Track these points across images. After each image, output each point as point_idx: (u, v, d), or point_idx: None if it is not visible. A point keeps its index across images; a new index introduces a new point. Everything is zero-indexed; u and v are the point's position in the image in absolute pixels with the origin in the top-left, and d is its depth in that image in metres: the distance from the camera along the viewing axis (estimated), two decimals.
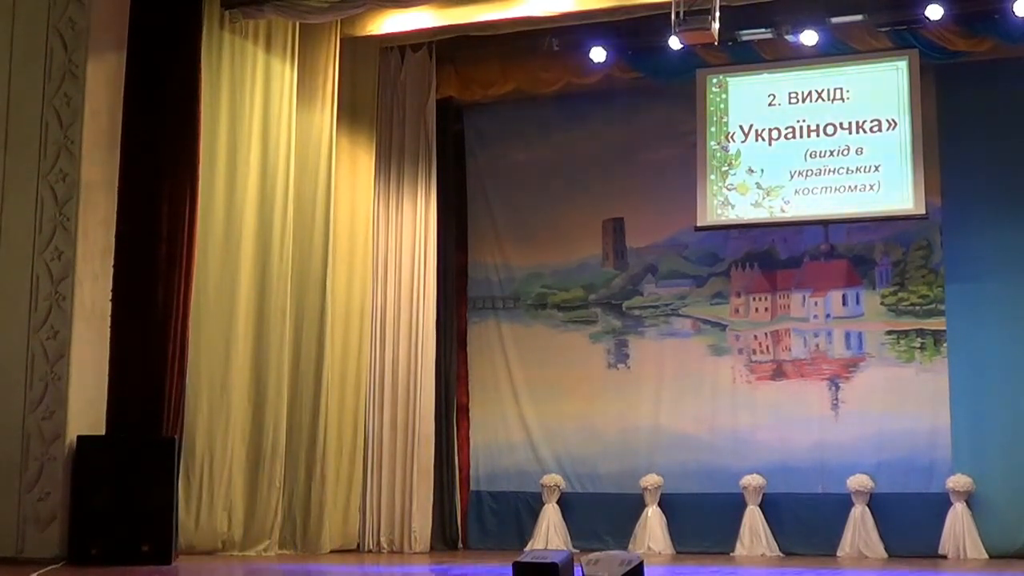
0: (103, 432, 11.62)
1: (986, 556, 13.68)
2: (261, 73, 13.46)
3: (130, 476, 11.33)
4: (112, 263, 11.87)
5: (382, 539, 14.58)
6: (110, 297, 11.83)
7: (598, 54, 15.01)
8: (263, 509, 13.03)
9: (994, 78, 14.58)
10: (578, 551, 12.57)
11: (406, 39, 14.78)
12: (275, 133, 13.48)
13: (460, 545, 15.52)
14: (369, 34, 14.32)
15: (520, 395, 15.89)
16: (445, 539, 15.38)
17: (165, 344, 11.98)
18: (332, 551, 13.74)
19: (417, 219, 15.23)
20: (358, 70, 14.82)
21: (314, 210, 13.92)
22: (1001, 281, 14.30)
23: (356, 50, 14.64)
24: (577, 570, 8.56)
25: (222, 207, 13.03)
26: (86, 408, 11.51)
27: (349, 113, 14.60)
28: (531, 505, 15.44)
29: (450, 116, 16.22)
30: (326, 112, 14.07)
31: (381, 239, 15.07)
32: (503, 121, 16.42)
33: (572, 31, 14.66)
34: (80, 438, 11.32)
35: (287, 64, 13.64)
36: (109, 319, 11.80)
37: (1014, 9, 13.50)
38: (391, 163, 15.24)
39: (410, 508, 14.64)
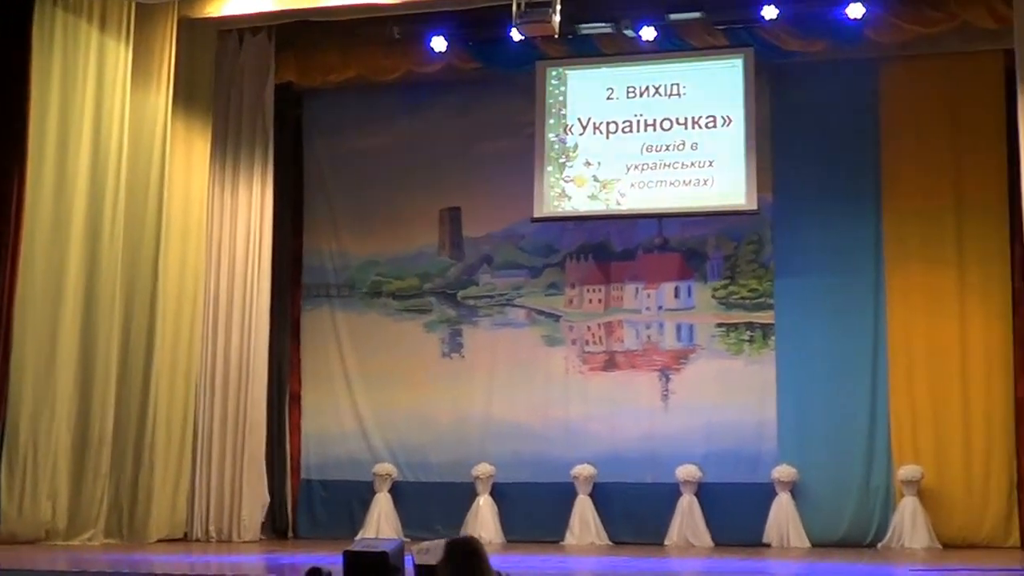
0: None
1: (809, 544, 14.02)
2: (95, 53, 13.11)
3: None
4: None
5: (211, 528, 14.41)
6: None
7: (439, 43, 15.01)
8: (88, 498, 12.78)
9: (826, 78, 14.94)
10: (409, 540, 12.57)
11: (245, 22, 14.54)
12: (108, 115, 13.16)
13: (290, 534, 15.46)
14: (207, 16, 14.04)
15: (353, 384, 15.84)
16: (275, 528, 15.30)
17: None
18: (159, 540, 13.56)
19: (252, 205, 15.06)
20: (195, 53, 14.55)
21: (147, 195, 13.65)
22: (828, 277, 14.66)
23: (194, 32, 14.36)
24: (408, 559, 8.56)
25: (51, 189, 12.68)
26: None
27: (185, 96, 14.32)
28: (362, 494, 15.39)
29: (289, 102, 16.08)
30: (161, 94, 13.80)
31: (215, 225, 14.88)
32: (342, 108, 16.32)
33: (414, 19, 14.62)
34: None
35: (122, 44, 13.31)
36: None
37: (846, 12, 13.86)
38: (227, 148, 15.04)
39: (240, 497, 14.50)
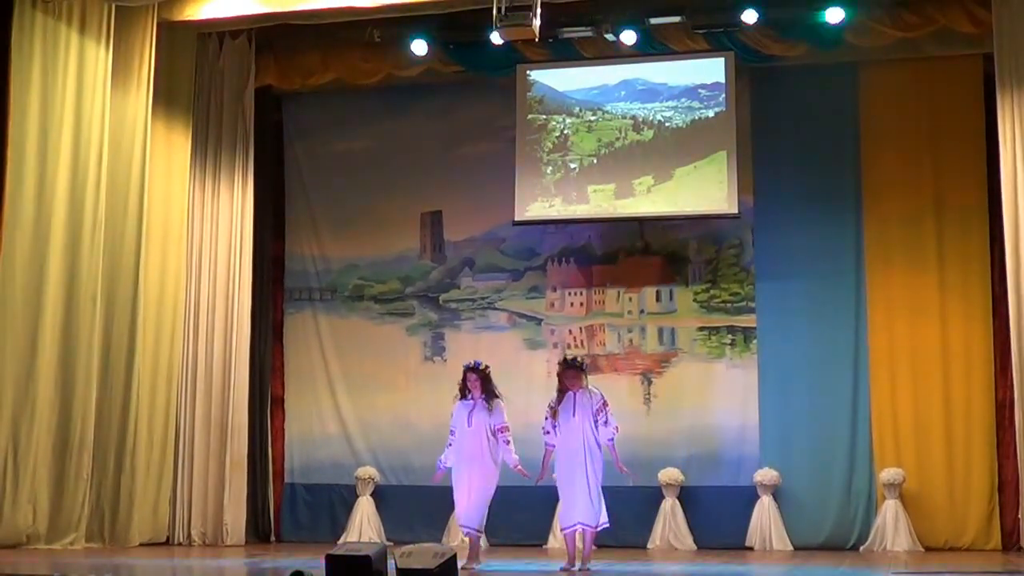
0: None
1: (791, 548, 14.06)
2: (75, 56, 13.03)
3: None
4: None
5: (193, 532, 14.38)
6: None
7: (420, 47, 14.99)
8: (70, 502, 12.72)
9: (806, 82, 14.99)
10: (392, 544, 12.56)
11: (225, 25, 14.51)
12: (88, 118, 13.09)
13: (273, 538, 15.42)
14: (187, 19, 13.98)
15: (336, 387, 15.83)
16: (258, 532, 15.26)
17: None
18: (141, 544, 13.52)
19: (234, 208, 15.04)
20: (175, 56, 14.54)
21: (127, 198, 13.60)
22: (809, 280, 14.70)
23: (174, 35, 14.36)
24: (391, 563, 8.55)
25: (31, 193, 12.59)
26: None
27: (165, 99, 14.31)
28: (345, 498, 15.40)
29: (269, 105, 16.05)
30: (141, 97, 13.76)
31: (196, 228, 14.85)
32: (323, 111, 16.33)
33: (394, 23, 14.63)
34: None
35: (102, 47, 13.24)
36: None
37: (826, 16, 13.89)
38: (208, 151, 15.02)
39: (222, 501, 14.48)
